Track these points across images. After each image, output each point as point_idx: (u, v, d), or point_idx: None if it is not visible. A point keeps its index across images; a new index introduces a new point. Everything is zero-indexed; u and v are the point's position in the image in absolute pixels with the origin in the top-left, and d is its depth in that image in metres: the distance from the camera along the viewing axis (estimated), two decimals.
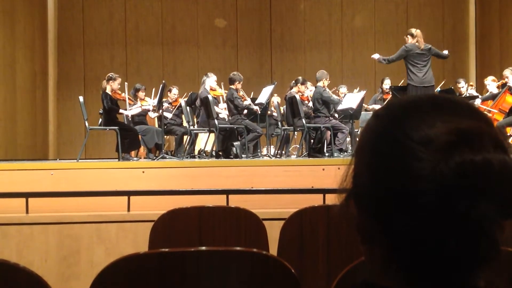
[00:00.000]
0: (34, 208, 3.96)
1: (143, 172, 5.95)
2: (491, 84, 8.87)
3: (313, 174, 5.85)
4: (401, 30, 10.35)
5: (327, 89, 8.96)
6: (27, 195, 4.00)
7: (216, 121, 8.12)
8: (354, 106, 8.65)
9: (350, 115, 8.95)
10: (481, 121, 0.68)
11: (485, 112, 0.64)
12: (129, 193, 4.16)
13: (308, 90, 9.38)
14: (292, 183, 5.63)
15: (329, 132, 8.82)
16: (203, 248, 1.77)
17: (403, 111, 0.70)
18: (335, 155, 8.25)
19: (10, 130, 10.25)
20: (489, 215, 0.63)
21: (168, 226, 2.64)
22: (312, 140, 8.98)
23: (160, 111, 8.66)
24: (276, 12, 13.19)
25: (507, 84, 8.23)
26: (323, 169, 5.88)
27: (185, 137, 9.24)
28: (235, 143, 8.36)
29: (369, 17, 13.32)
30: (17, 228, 3.79)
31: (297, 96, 8.69)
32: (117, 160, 7.58)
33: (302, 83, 9.16)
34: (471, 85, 10.55)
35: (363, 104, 9.19)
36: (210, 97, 8.33)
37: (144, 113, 9.07)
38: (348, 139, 9.09)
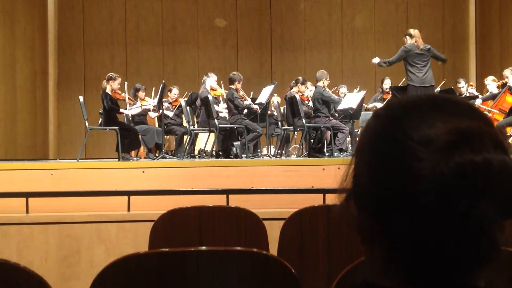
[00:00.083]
0: (34, 208, 3.97)
1: (143, 172, 5.95)
2: (491, 84, 8.87)
3: (313, 174, 5.84)
4: (401, 30, 10.35)
5: (327, 89, 8.96)
6: (27, 195, 4.00)
7: (216, 121, 8.12)
8: (354, 106, 8.65)
9: (350, 115, 8.95)
10: (481, 121, 0.68)
11: (485, 112, 0.64)
12: (129, 193, 4.16)
13: (308, 90, 9.38)
14: (292, 183, 5.63)
15: (329, 132, 8.82)
16: (203, 248, 1.77)
17: (403, 111, 0.70)
18: (335, 155, 8.25)
19: (10, 130, 10.25)
20: (489, 215, 0.63)
21: (168, 226, 2.64)
22: (312, 140, 8.98)
23: (160, 111, 8.67)
24: (276, 12, 13.19)
25: (507, 84, 8.23)
26: (323, 169, 5.88)
27: (185, 137, 9.24)
28: (235, 143, 8.36)
29: (369, 17, 13.32)
30: (17, 228, 3.79)
31: (297, 96, 8.69)
32: (117, 160, 7.58)
33: (302, 83, 9.16)
34: (471, 85, 10.55)
35: (363, 104, 9.19)
36: (210, 97, 8.33)
37: (144, 113, 9.07)
38: (348, 139, 9.09)
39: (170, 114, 9.29)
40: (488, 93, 8.77)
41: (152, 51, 12.86)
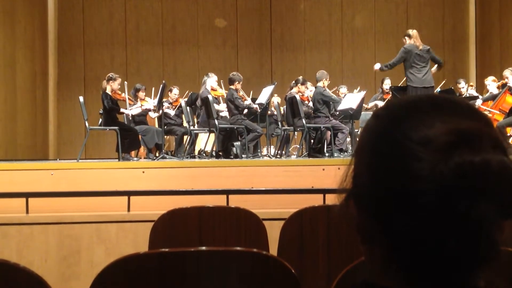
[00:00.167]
0: (34, 208, 3.97)
1: (143, 172, 5.95)
2: (491, 84, 8.87)
3: (313, 174, 5.85)
4: (401, 30, 10.35)
5: (327, 89, 8.97)
6: (27, 195, 4.00)
7: (216, 121, 8.12)
8: (354, 106, 8.65)
9: (350, 115, 8.95)
10: (480, 122, 0.68)
11: (485, 113, 0.64)
12: (129, 193, 4.16)
13: (308, 90, 9.38)
14: (292, 183, 5.63)
15: (329, 132, 8.82)
16: (203, 248, 1.77)
17: (403, 111, 0.70)
18: (335, 155, 8.25)
19: (10, 130, 10.25)
20: (489, 215, 0.63)
21: (168, 226, 2.64)
22: (312, 140, 8.99)
23: (161, 111, 8.67)
24: (276, 12, 13.19)
25: (507, 84, 8.24)
26: (323, 169, 5.88)
27: (185, 137, 9.24)
28: (235, 143, 8.36)
29: (369, 17, 13.32)
30: (17, 228, 3.79)
31: (297, 96, 8.69)
32: (117, 160, 7.58)
33: (302, 83, 9.17)
34: (471, 86, 10.55)
35: (363, 105, 9.19)
36: (210, 97, 8.33)
37: (144, 113, 9.07)
38: (348, 139, 9.09)
39: (172, 112, 9.30)
40: (488, 94, 8.77)
41: (152, 51, 12.86)
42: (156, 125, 9.38)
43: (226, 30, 13.07)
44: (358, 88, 10.33)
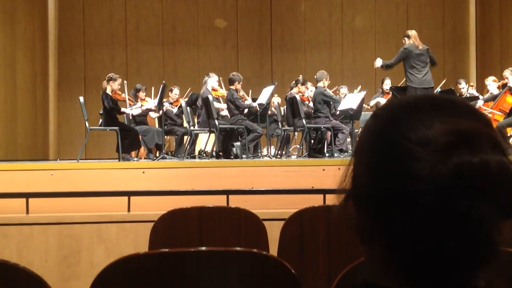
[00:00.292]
0: (34, 208, 3.97)
1: (143, 172, 5.95)
2: (492, 84, 8.87)
3: (313, 174, 5.84)
4: (402, 30, 10.35)
5: (327, 89, 8.97)
6: (27, 195, 4.01)
7: (216, 122, 8.12)
8: (354, 106, 8.65)
9: (351, 116, 8.95)
10: (480, 122, 0.68)
11: (485, 113, 0.64)
12: (129, 194, 4.16)
13: (309, 91, 9.39)
14: (292, 183, 5.63)
15: (329, 133, 8.82)
16: (203, 248, 1.77)
17: (402, 112, 0.70)
18: (335, 155, 8.25)
19: (11, 130, 10.26)
20: (489, 216, 0.64)
21: (168, 226, 2.64)
22: (312, 141, 8.99)
23: (161, 111, 8.67)
24: (276, 13, 13.19)
25: (507, 84, 8.24)
26: (323, 170, 5.88)
27: (185, 137, 9.24)
28: (235, 144, 8.36)
29: (370, 17, 13.32)
30: (17, 228, 3.79)
31: (298, 97, 8.70)
32: (117, 160, 7.58)
33: (303, 84, 9.18)
34: (472, 86, 10.55)
35: (363, 105, 9.19)
36: (210, 97, 8.33)
37: (145, 113, 9.08)
38: (349, 139, 9.10)
39: (174, 109, 9.30)
40: (489, 94, 8.77)
41: (152, 52, 12.86)
42: (157, 125, 9.39)
43: (226, 30, 13.07)
44: (359, 88, 10.33)
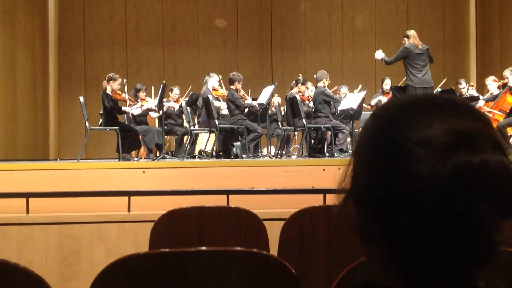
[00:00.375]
0: (34, 208, 3.97)
1: (144, 172, 5.95)
2: (492, 84, 8.87)
3: (314, 174, 5.84)
4: (402, 30, 10.34)
5: (327, 89, 8.97)
6: (27, 195, 4.00)
7: (216, 121, 8.12)
8: (355, 106, 8.65)
9: (351, 116, 8.95)
10: (479, 122, 0.68)
11: (485, 113, 0.64)
12: (129, 193, 4.16)
13: (309, 90, 9.39)
14: (292, 183, 5.62)
15: (329, 132, 8.82)
16: (204, 248, 1.77)
17: (402, 112, 0.70)
18: (335, 155, 8.25)
19: (11, 130, 10.26)
20: (489, 216, 0.64)
21: (168, 226, 2.64)
22: (312, 140, 8.99)
23: (161, 111, 8.68)
24: (276, 13, 13.19)
25: (508, 84, 8.24)
26: (324, 170, 5.87)
27: (185, 137, 9.24)
28: (235, 143, 8.36)
29: (370, 17, 13.32)
30: (17, 228, 3.79)
31: (298, 96, 8.70)
32: (117, 160, 7.58)
33: (303, 83, 9.18)
34: (472, 85, 10.55)
35: (364, 105, 9.19)
36: (211, 97, 8.33)
37: (145, 113, 9.08)
38: (349, 139, 9.10)
39: (176, 106, 9.29)
40: (489, 94, 8.77)
41: (152, 52, 12.86)
42: (157, 125, 9.39)
43: (227, 30, 13.07)
44: (359, 88, 10.33)
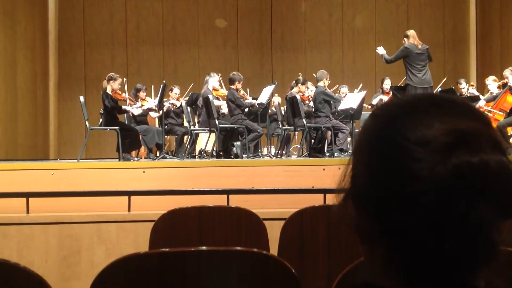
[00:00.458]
0: (34, 208, 3.97)
1: (144, 172, 5.95)
2: (492, 84, 8.87)
3: (314, 174, 5.84)
4: (402, 30, 10.35)
5: (328, 89, 8.97)
6: (27, 195, 4.00)
7: (217, 121, 8.12)
8: (355, 106, 8.65)
9: (351, 115, 8.95)
10: (479, 122, 0.68)
11: (485, 113, 0.64)
12: (129, 193, 4.16)
13: (309, 90, 9.39)
14: (292, 183, 5.62)
15: (329, 132, 8.82)
16: (204, 248, 1.77)
17: (401, 111, 0.70)
18: (335, 155, 8.25)
19: (11, 130, 10.26)
20: (489, 216, 0.63)
21: (168, 226, 2.64)
22: (312, 140, 8.99)
23: (161, 111, 8.68)
24: (276, 13, 13.19)
25: (508, 84, 8.24)
26: (324, 169, 5.88)
27: (185, 137, 9.24)
28: (235, 143, 8.36)
29: (370, 17, 13.32)
30: (18, 228, 3.79)
31: (298, 96, 8.70)
32: (117, 160, 7.58)
33: (303, 83, 9.18)
34: (472, 85, 10.55)
35: (364, 104, 9.19)
36: (211, 97, 8.33)
37: (145, 113, 9.08)
38: (349, 139, 9.10)
39: (178, 103, 9.29)
40: (489, 94, 8.77)
41: (152, 52, 12.87)
42: (157, 125, 9.39)
43: (227, 30, 13.07)
44: (360, 87, 10.33)
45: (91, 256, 3.78)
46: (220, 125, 8.21)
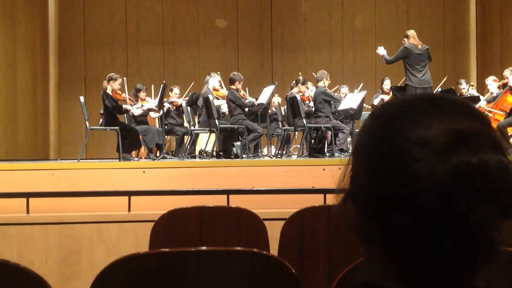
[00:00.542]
0: (34, 208, 3.97)
1: (144, 172, 5.95)
2: (492, 84, 8.87)
3: (314, 174, 5.84)
4: (402, 30, 10.35)
5: (328, 89, 8.98)
6: (27, 195, 4.01)
7: (217, 121, 8.12)
8: (355, 106, 8.66)
9: (351, 115, 8.95)
10: (479, 122, 0.68)
11: (484, 113, 0.64)
12: (129, 193, 4.16)
13: (309, 90, 9.39)
14: (292, 183, 5.62)
15: (329, 132, 8.82)
16: (204, 248, 1.77)
17: (401, 111, 0.70)
18: (335, 155, 8.25)
19: (11, 130, 10.26)
20: (488, 216, 0.63)
21: (168, 226, 2.64)
22: (312, 140, 8.99)
23: (161, 111, 8.68)
24: (276, 13, 13.19)
25: (508, 84, 8.24)
26: (324, 169, 5.88)
27: (186, 137, 9.24)
28: (235, 143, 8.36)
29: (370, 17, 13.32)
30: (18, 228, 3.80)
31: (298, 96, 8.70)
32: (117, 160, 7.58)
33: (303, 83, 9.19)
34: (472, 85, 10.55)
35: (364, 104, 9.20)
36: (211, 97, 8.33)
37: (145, 113, 9.08)
38: (349, 139, 9.10)
39: (179, 101, 9.29)
40: (489, 94, 8.77)
41: (152, 52, 12.87)
42: (157, 125, 9.39)
43: (227, 30, 13.07)
44: (360, 87, 10.33)
45: (91, 256, 3.79)
46: (220, 125, 8.21)
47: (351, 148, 9.10)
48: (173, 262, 1.66)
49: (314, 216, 2.60)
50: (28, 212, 3.90)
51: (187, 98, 9.68)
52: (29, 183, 5.58)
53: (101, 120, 8.51)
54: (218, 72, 9.41)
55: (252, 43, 13.13)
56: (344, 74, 13.01)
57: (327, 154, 8.68)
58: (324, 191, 3.95)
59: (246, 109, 8.66)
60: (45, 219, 3.81)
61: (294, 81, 9.43)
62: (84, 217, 3.86)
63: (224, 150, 8.49)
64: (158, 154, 8.69)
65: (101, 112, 8.43)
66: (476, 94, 9.61)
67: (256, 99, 8.81)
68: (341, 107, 8.88)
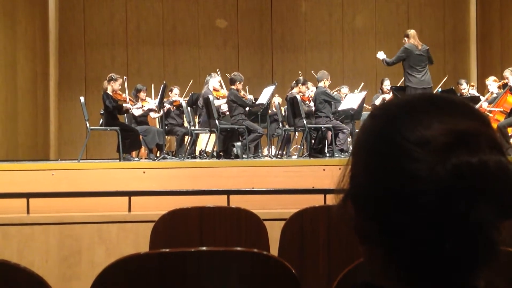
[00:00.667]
0: (35, 208, 3.97)
1: (144, 172, 5.95)
2: (492, 84, 8.87)
3: (314, 174, 5.84)
4: (402, 30, 10.35)
5: (328, 89, 8.98)
6: (28, 196, 4.01)
7: (217, 122, 8.12)
8: (355, 106, 8.66)
9: (351, 116, 8.95)
10: (478, 122, 0.68)
11: (484, 113, 0.64)
12: (130, 194, 4.16)
13: (309, 90, 9.39)
14: (292, 183, 5.62)
15: (330, 132, 8.82)
16: (204, 248, 1.77)
17: (400, 112, 0.70)
18: (336, 155, 8.25)
19: (11, 131, 10.26)
20: (488, 216, 0.64)
21: (169, 226, 2.65)
22: (313, 141, 8.99)
23: (161, 111, 8.68)
24: (276, 13, 13.19)
25: (508, 84, 8.24)
26: (324, 170, 5.88)
27: (186, 137, 9.24)
28: (236, 144, 8.36)
29: (370, 17, 13.32)
30: (18, 229, 3.80)
31: (298, 97, 8.70)
32: (118, 160, 7.58)
33: (303, 83, 9.19)
34: (472, 86, 10.55)
35: (364, 105, 9.20)
36: (211, 97, 8.33)
37: (146, 113, 9.08)
38: (349, 139, 9.10)
39: (180, 100, 9.29)
40: (489, 94, 8.77)
41: (152, 52, 12.87)
42: (157, 126, 9.39)
43: (227, 30, 13.07)
44: (360, 87, 10.33)
45: (92, 256, 3.79)
46: (221, 126, 8.21)
47: (351, 148, 9.12)
48: (173, 262, 1.66)
49: (314, 216, 2.60)
50: (28, 212, 3.90)
51: (187, 98, 9.68)
52: (29, 183, 5.58)
53: (101, 120, 8.51)
54: (217, 70, 9.41)
55: (252, 43, 13.13)
56: (344, 74, 13.01)
57: (327, 155, 8.68)
58: (324, 192, 3.95)
59: (247, 109, 8.66)
60: (46, 220, 3.82)
61: (294, 81, 9.43)
62: (84, 218, 3.86)
63: (224, 150, 8.49)
64: (158, 155, 8.69)
65: (101, 112, 8.43)
66: (476, 94, 9.61)
67: (256, 99, 8.81)
68: (342, 107, 8.87)
